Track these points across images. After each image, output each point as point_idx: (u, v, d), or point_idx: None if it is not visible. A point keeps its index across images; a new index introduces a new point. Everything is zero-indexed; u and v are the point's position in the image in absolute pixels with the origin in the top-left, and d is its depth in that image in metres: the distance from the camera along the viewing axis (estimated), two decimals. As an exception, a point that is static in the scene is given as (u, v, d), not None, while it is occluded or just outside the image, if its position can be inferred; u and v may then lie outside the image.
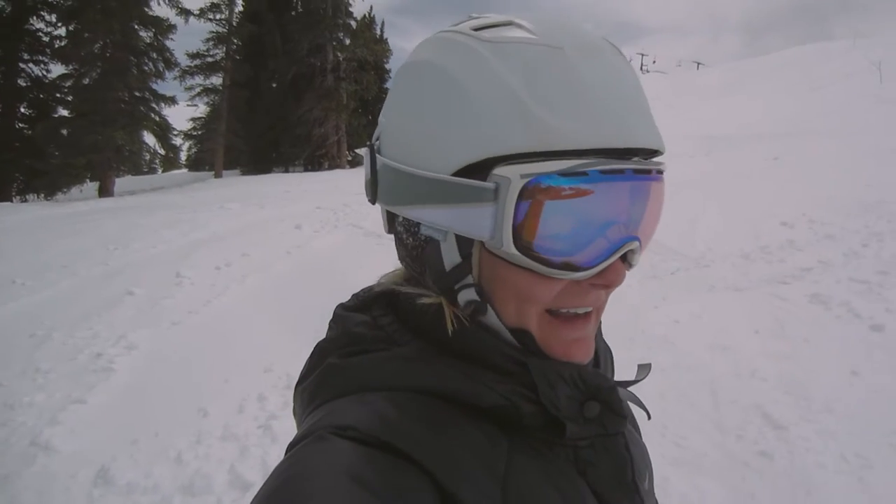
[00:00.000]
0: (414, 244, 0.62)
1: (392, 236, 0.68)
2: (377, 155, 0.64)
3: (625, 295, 4.93)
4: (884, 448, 2.88)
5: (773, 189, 7.71)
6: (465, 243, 0.57)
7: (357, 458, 0.47)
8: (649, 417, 0.74)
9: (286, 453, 0.52)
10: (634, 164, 0.54)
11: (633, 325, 4.40)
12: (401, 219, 0.63)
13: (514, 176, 0.51)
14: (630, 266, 0.60)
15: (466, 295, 0.58)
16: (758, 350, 3.96)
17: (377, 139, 0.66)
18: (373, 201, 0.66)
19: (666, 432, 3.16)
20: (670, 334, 4.27)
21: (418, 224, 0.60)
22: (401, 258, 0.67)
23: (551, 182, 0.51)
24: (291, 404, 0.68)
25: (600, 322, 0.69)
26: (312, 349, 0.67)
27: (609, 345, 0.78)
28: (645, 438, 0.80)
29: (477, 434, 0.53)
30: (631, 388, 0.69)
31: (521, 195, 0.51)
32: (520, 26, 0.57)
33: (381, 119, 0.66)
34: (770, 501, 2.64)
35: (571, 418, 0.57)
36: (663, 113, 15.04)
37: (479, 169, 0.53)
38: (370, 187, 0.65)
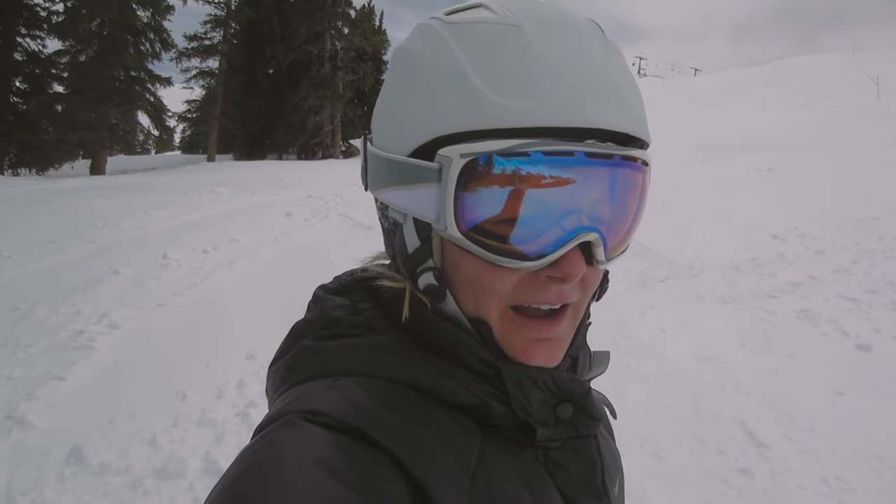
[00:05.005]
0: (388, 227, 0.62)
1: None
2: (369, 143, 0.64)
3: (612, 301, 4.92)
4: (865, 471, 2.87)
5: (767, 200, 7.76)
6: (422, 227, 0.56)
7: (327, 445, 0.45)
8: (615, 417, 0.74)
9: (254, 436, 0.50)
10: (587, 146, 0.50)
11: (619, 332, 4.40)
12: (379, 203, 0.63)
13: (454, 155, 0.49)
14: (596, 262, 0.55)
15: (425, 279, 0.57)
16: (743, 364, 3.96)
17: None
18: (365, 188, 0.65)
19: (646, 443, 3.15)
20: (656, 343, 4.27)
21: (388, 207, 0.60)
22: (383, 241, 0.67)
23: (493, 163, 0.49)
24: None
25: (587, 326, 0.67)
26: (290, 329, 0.66)
27: (593, 348, 0.75)
28: (624, 448, 0.79)
29: (450, 424, 0.52)
30: (602, 384, 0.68)
31: (464, 176, 0.49)
32: (487, 7, 0.56)
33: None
34: (748, 521, 2.62)
35: (542, 422, 0.56)
36: (658, 118, 15.04)
37: (429, 150, 0.52)
38: (363, 174, 0.65)
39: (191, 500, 2.77)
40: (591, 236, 0.53)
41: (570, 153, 0.49)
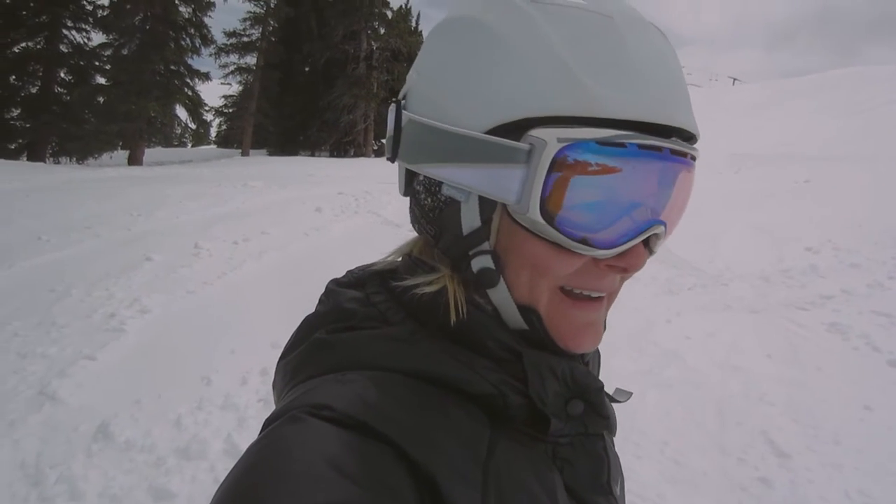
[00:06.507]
0: (432, 205, 0.60)
1: (405, 215, 0.65)
2: (403, 111, 0.61)
3: (638, 306, 4.88)
4: (890, 487, 2.80)
5: (801, 212, 7.59)
6: (487, 206, 0.55)
7: (332, 440, 0.45)
8: (614, 434, 0.72)
9: (261, 431, 0.50)
10: (673, 143, 0.52)
11: (644, 337, 4.34)
12: (421, 177, 0.61)
13: (550, 139, 0.49)
14: (651, 252, 0.58)
15: (480, 262, 0.56)
16: (769, 374, 3.89)
17: (404, 96, 0.63)
18: (392, 159, 0.63)
19: (666, 448, 3.11)
20: (681, 349, 4.21)
21: (440, 184, 0.57)
22: (414, 220, 0.65)
23: (588, 149, 0.49)
24: None
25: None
26: (300, 323, 0.65)
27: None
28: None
29: (461, 415, 0.52)
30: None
31: (555, 161, 0.49)
32: None
33: (410, 75, 0.64)
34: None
35: (556, 414, 0.56)
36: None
37: (513, 129, 0.51)
38: (391, 144, 0.63)
39: (212, 480, 2.83)
40: (660, 229, 0.55)
41: (660, 149, 0.51)
